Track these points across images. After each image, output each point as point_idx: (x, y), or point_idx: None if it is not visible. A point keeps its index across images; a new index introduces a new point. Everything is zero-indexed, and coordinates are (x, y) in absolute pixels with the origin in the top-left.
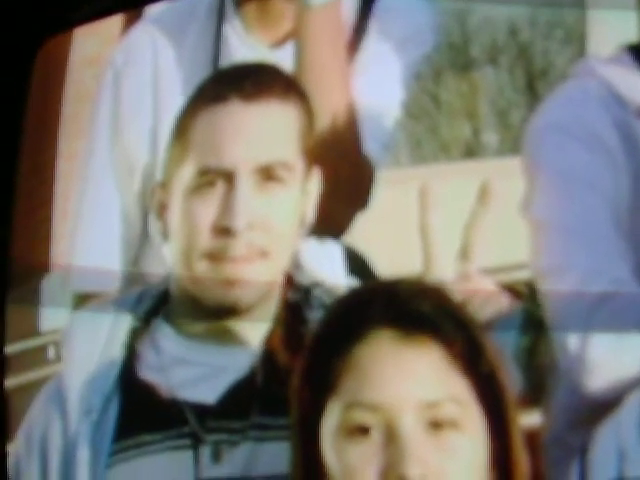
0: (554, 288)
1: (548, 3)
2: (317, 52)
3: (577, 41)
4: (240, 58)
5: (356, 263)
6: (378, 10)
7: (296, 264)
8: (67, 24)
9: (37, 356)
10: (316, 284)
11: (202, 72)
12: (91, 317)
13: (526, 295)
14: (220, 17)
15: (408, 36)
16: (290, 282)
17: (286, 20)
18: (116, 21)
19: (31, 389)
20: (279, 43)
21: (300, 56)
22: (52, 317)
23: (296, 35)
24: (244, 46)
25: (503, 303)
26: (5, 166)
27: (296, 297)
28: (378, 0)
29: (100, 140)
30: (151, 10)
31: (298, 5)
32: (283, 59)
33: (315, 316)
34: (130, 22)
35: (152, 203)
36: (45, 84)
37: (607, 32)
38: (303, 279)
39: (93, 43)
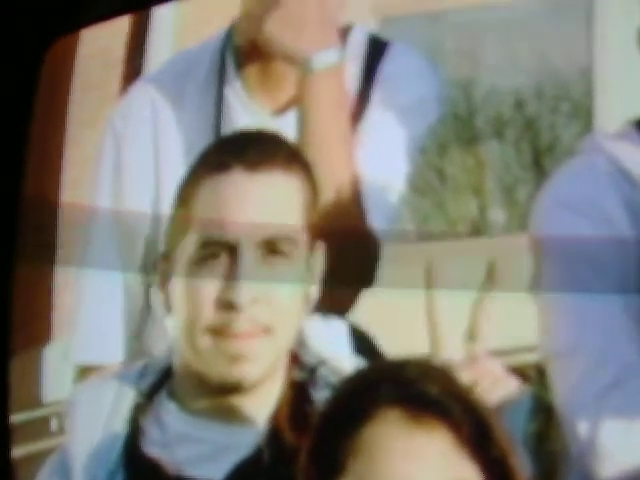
0: (563, 371)
1: (554, 75)
2: (320, 120)
3: (584, 115)
4: (242, 124)
5: (362, 342)
6: (381, 78)
7: (301, 342)
8: (75, 25)
9: (40, 427)
10: (322, 363)
11: (204, 137)
12: (94, 390)
13: (535, 379)
14: (221, 79)
15: (412, 106)
16: (296, 361)
17: (288, 84)
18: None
19: (34, 461)
20: (282, 110)
21: (303, 124)
22: (55, 388)
23: (298, 101)
24: (246, 112)
25: (512, 387)
26: (11, 171)
27: (302, 376)
28: (381, 67)
29: (101, 208)
30: (148, 70)
31: (300, 69)
32: (286, 127)
33: (321, 396)
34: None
35: (155, 274)
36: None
37: (614, 106)
38: (309, 358)
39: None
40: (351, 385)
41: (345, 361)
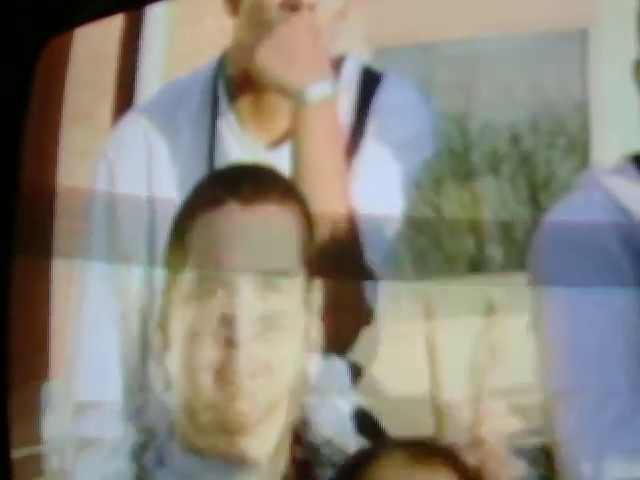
0: (565, 411)
1: (550, 109)
2: (314, 154)
3: (580, 150)
4: (236, 157)
5: (366, 421)
6: (375, 111)
7: (305, 422)
8: (69, 24)
9: (40, 465)
10: (326, 443)
11: (197, 169)
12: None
13: (542, 462)
14: (214, 110)
15: (407, 140)
16: (299, 441)
17: (282, 116)
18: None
19: None
20: (276, 143)
21: (297, 158)
22: (54, 425)
23: (292, 134)
24: (240, 145)
25: (518, 470)
26: (6, 170)
27: (305, 455)
28: (375, 100)
29: (96, 245)
30: (140, 99)
31: (293, 101)
32: (280, 160)
33: (325, 475)
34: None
35: (152, 311)
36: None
37: (611, 141)
38: (312, 437)
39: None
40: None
41: (349, 440)
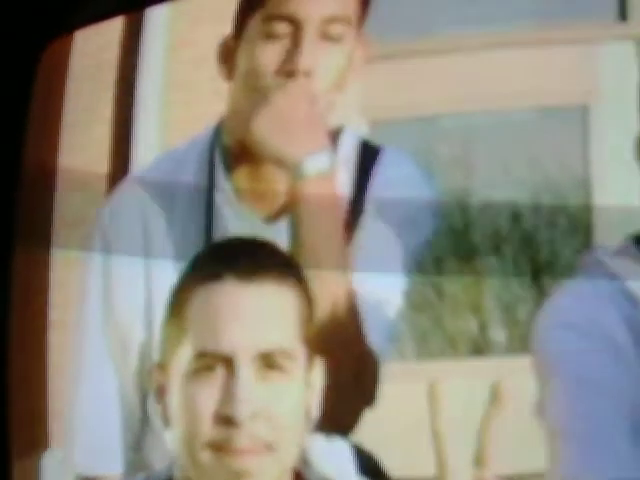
0: None
1: (550, 186)
2: (312, 229)
3: (583, 230)
4: (234, 230)
5: (367, 463)
6: (374, 186)
7: (305, 461)
8: (69, 27)
9: None
10: None
11: (195, 242)
12: None
13: None
14: (210, 181)
15: (407, 217)
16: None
17: (280, 189)
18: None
19: None
20: (274, 217)
21: (295, 234)
22: None
23: (290, 208)
24: (237, 218)
25: None
26: (6, 174)
27: None
28: (374, 175)
29: (92, 314)
30: (136, 168)
31: (291, 174)
32: (279, 234)
33: None
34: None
35: (151, 385)
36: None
37: (614, 220)
38: (313, 477)
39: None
40: None
41: None
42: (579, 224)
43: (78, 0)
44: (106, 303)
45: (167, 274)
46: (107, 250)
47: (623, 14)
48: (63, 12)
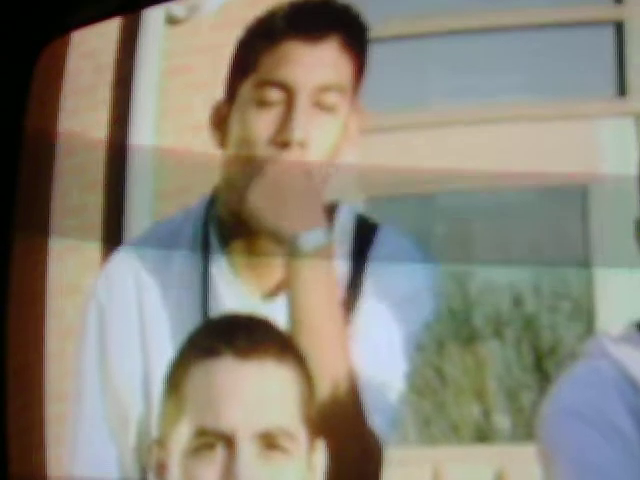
0: None
1: (551, 269)
2: (310, 309)
3: (585, 315)
4: (230, 306)
5: None
6: (372, 265)
7: None
8: (66, 28)
9: None
10: None
11: (191, 315)
12: None
13: None
14: (205, 255)
15: (406, 297)
16: None
17: (276, 264)
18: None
19: None
20: (271, 293)
21: (293, 312)
22: None
23: (288, 285)
24: (233, 294)
25: None
26: (5, 174)
27: None
28: (371, 253)
29: (89, 387)
30: (130, 237)
31: (288, 250)
32: (276, 311)
33: None
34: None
35: (150, 462)
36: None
37: (616, 305)
38: None
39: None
40: None
41: None
42: (581, 309)
43: (76, 1)
44: (103, 374)
45: (164, 346)
46: (102, 321)
47: (622, 89)
48: (60, 13)
